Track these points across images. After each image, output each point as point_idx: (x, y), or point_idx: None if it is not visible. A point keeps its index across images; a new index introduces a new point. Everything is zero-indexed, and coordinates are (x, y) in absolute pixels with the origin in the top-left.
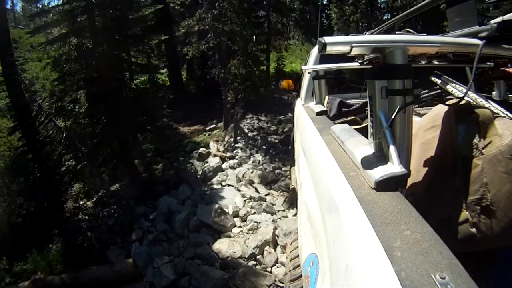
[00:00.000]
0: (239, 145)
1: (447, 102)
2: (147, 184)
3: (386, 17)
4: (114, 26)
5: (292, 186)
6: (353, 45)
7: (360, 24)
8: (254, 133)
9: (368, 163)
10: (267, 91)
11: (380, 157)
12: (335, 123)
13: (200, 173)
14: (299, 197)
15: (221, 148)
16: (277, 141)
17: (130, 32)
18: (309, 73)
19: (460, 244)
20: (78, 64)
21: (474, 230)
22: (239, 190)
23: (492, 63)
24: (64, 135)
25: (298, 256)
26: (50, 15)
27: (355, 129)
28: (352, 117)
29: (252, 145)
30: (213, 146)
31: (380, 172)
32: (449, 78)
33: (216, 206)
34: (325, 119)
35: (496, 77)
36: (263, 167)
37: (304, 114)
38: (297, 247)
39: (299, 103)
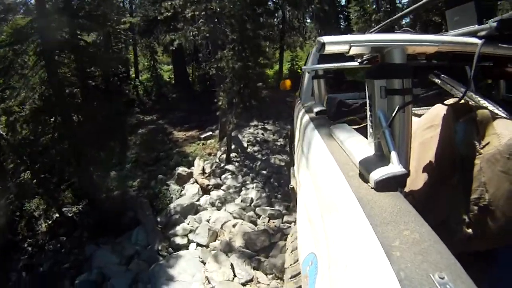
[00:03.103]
0: (231, 167)
1: (446, 102)
2: (114, 207)
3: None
4: None
5: (292, 186)
6: (351, 44)
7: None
8: (255, 148)
9: (368, 163)
10: (278, 93)
11: (380, 157)
12: (334, 123)
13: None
14: (298, 196)
15: (208, 169)
16: (282, 163)
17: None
18: (308, 72)
19: (459, 244)
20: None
21: (472, 229)
22: (204, 264)
23: (491, 63)
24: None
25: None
26: None
27: (355, 128)
28: (352, 117)
29: (248, 167)
30: (197, 165)
31: (379, 172)
32: (449, 78)
33: None
34: (325, 118)
35: (495, 76)
36: (255, 214)
37: (304, 114)
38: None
39: (298, 103)
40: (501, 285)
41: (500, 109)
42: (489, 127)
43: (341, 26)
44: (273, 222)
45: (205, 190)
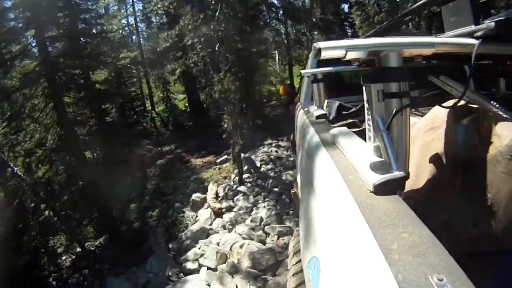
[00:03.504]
0: (243, 188)
1: (446, 103)
2: (135, 238)
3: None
4: None
5: (294, 191)
6: (348, 49)
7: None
8: (269, 166)
9: (366, 166)
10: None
11: (379, 160)
12: (334, 126)
13: (184, 231)
14: (300, 200)
15: (221, 192)
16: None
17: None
18: (307, 77)
19: (461, 246)
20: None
21: (474, 231)
22: (209, 287)
23: (490, 61)
24: (25, 184)
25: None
26: None
27: (354, 131)
28: (351, 120)
29: (260, 187)
30: (210, 190)
31: (378, 175)
32: (448, 78)
33: None
34: (325, 122)
35: (495, 74)
36: (264, 232)
37: (304, 118)
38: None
39: (299, 107)
40: (504, 285)
41: (501, 108)
42: (490, 128)
43: (348, 33)
44: (282, 239)
45: (217, 214)
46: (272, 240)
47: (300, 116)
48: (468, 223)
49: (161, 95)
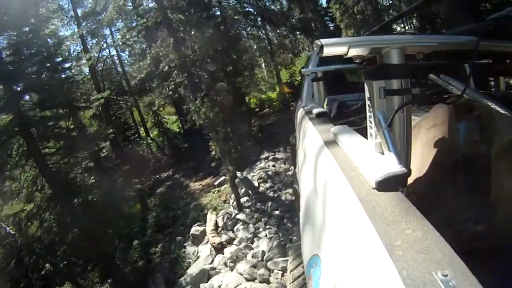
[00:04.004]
0: (242, 216)
1: (447, 100)
2: (140, 277)
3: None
4: None
5: (294, 188)
6: (350, 45)
7: (365, 13)
8: (267, 184)
9: (368, 163)
10: (284, 114)
11: (380, 157)
12: (335, 124)
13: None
14: (300, 198)
15: (220, 221)
16: (294, 197)
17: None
18: (308, 75)
19: (464, 242)
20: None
21: (477, 228)
22: None
23: (490, 60)
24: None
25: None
26: None
27: (355, 129)
28: (352, 118)
29: (260, 211)
30: (209, 220)
31: (380, 172)
32: (449, 76)
33: None
34: (325, 120)
35: (495, 72)
36: (267, 269)
37: (305, 116)
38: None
39: (299, 106)
40: (506, 282)
41: (501, 106)
42: (491, 125)
43: (331, 28)
44: (287, 276)
45: (218, 250)
46: (276, 278)
47: (301, 115)
48: (469, 221)
49: (153, 120)
